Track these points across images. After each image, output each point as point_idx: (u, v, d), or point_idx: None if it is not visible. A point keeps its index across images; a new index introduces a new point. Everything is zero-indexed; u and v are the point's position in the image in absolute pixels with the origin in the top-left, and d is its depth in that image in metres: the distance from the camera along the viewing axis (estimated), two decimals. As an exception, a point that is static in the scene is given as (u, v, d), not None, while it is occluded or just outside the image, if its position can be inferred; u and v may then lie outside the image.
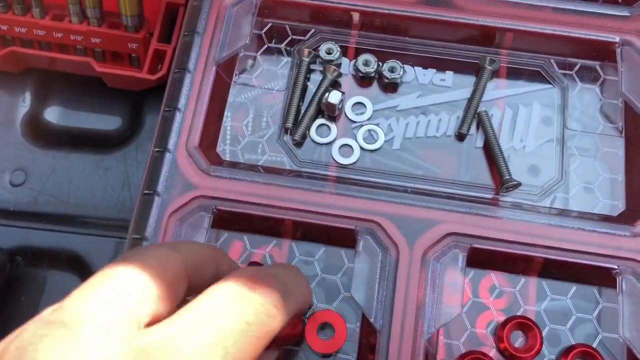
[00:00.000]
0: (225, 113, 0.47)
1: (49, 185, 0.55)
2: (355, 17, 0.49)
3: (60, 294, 0.51)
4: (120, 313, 0.24)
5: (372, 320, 0.40)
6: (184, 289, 0.28)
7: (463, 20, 0.48)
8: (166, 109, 0.45)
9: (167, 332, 0.25)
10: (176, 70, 0.46)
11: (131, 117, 0.58)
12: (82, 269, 0.52)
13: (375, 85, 0.48)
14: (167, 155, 0.43)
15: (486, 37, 0.48)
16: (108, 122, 0.58)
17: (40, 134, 0.58)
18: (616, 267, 0.41)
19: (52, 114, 0.59)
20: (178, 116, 0.45)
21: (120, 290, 0.25)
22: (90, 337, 0.23)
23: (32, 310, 0.51)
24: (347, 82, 0.48)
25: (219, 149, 0.46)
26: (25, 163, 0.56)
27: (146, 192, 0.43)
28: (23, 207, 0.54)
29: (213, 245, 0.35)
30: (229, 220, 0.43)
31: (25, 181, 0.55)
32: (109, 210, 0.54)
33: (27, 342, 0.23)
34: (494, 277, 0.43)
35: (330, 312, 0.41)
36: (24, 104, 0.59)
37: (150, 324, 0.25)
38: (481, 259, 0.42)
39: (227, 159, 0.46)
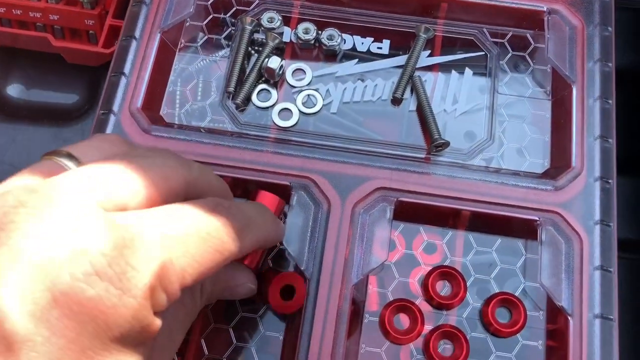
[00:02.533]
0: (170, 78, 0.49)
1: (8, 155, 0.57)
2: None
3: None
4: (105, 194, 0.27)
5: (303, 268, 0.42)
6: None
7: (401, -8, 0.50)
8: (112, 74, 0.47)
9: (141, 217, 0.27)
10: (123, 38, 0.48)
11: (89, 92, 0.61)
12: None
13: (316, 52, 0.50)
14: (112, 117, 0.46)
15: (423, 7, 0.51)
16: (67, 97, 0.60)
17: (2, 107, 0.60)
18: (537, 218, 0.43)
19: (14, 89, 0.61)
20: (123, 80, 0.47)
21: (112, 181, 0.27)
22: (73, 208, 0.25)
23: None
24: (289, 49, 0.50)
25: (162, 112, 0.48)
26: (-14, 135, 0.58)
27: (91, 151, 0.45)
28: (-18, 177, 0.56)
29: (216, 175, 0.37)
30: (170, 178, 0.45)
31: (-15, 152, 0.57)
32: (65, 179, 0.56)
33: (10, 205, 0.24)
34: (424, 232, 0.45)
35: (293, 274, 0.42)
36: (-14, 79, 0.61)
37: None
38: (410, 212, 0.44)
39: (171, 121, 0.48)
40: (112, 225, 0.25)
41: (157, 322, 0.27)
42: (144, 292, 0.25)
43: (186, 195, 0.31)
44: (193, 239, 0.28)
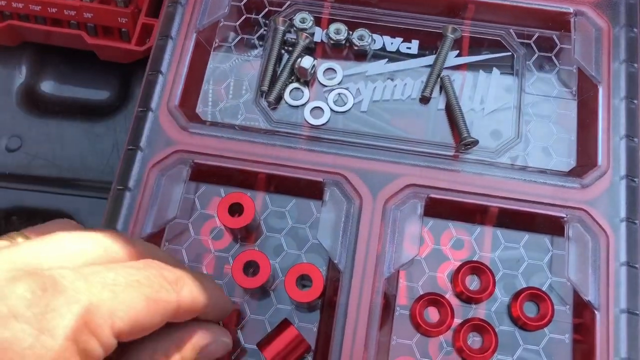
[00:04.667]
0: (206, 77, 0.51)
1: (43, 150, 0.59)
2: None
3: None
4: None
5: (336, 261, 0.43)
6: None
7: (429, -7, 0.51)
8: (150, 72, 0.48)
9: (69, 268, 0.27)
10: (160, 38, 0.50)
11: (121, 88, 0.62)
12: (73, 228, 0.56)
13: (346, 52, 0.52)
14: (150, 114, 0.47)
15: (450, 8, 0.52)
16: (99, 93, 0.62)
17: (35, 103, 0.61)
18: (564, 215, 0.44)
19: (47, 85, 0.62)
20: (161, 79, 0.48)
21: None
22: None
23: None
24: (320, 49, 0.52)
25: (198, 110, 0.49)
26: (21, 130, 0.60)
27: (130, 147, 0.46)
28: (19, 171, 0.58)
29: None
30: (207, 174, 0.47)
31: (21, 146, 0.59)
32: (99, 173, 0.58)
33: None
34: (453, 228, 0.46)
35: (309, 265, 0.43)
36: (20, 75, 0.62)
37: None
38: (440, 209, 0.46)
39: (207, 119, 0.49)
40: (36, 273, 0.25)
41: None
42: (66, 334, 0.25)
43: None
44: (121, 285, 0.27)
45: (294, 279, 0.42)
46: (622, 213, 0.44)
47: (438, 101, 0.50)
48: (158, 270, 0.30)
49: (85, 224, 0.56)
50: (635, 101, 0.47)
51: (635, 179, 0.45)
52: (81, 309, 0.25)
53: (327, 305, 0.44)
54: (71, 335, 0.25)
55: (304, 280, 0.43)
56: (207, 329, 0.33)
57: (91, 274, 0.27)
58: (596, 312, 0.42)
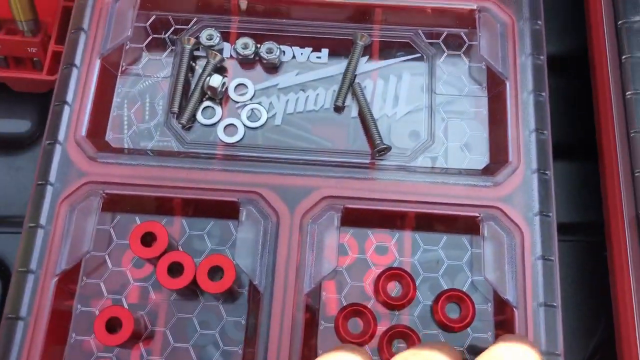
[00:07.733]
0: (114, 103, 0.50)
1: (-38, 188, 0.57)
2: (242, 4, 0.52)
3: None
4: None
5: (256, 283, 0.43)
6: None
7: (336, 0, 0.51)
8: (55, 103, 0.47)
9: None
10: (64, 67, 0.49)
11: (40, 118, 0.61)
12: (-2, 265, 0.55)
13: (257, 66, 0.51)
14: (58, 147, 0.46)
15: (358, 14, 0.52)
16: (18, 125, 0.60)
17: (-49, 141, 0.60)
18: (479, 214, 0.45)
19: (-37, 121, 0.61)
20: (67, 109, 0.47)
21: None
22: None
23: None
24: (230, 65, 0.51)
25: (108, 138, 0.49)
26: (-61, 169, 0.58)
27: (39, 182, 0.45)
28: (-62, 212, 0.57)
29: None
30: (120, 203, 0.46)
31: (-61, 186, 0.57)
32: (22, 208, 0.56)
33: None
34: (373, 235, 0.46)
35: (220, 256, 0.43)
36: None
37: None
38: (357, 218, 0.46)
39: (117, 146, 0.48)
40: None
41: None
42: None
43: None
44: None
45: (205, 270, 0.42)
46: (536, 207, 0.44)
47: (351, 109, 0.50)
48: None
49: (9, 261, 0.55)
50: (543, 94, 0.48)
51: (547, 172, 0.45)
52: None
53: (251, 327, 0.44)
54: None
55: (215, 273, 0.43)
56: None
57: None
58: (515, 309, 0.42)
